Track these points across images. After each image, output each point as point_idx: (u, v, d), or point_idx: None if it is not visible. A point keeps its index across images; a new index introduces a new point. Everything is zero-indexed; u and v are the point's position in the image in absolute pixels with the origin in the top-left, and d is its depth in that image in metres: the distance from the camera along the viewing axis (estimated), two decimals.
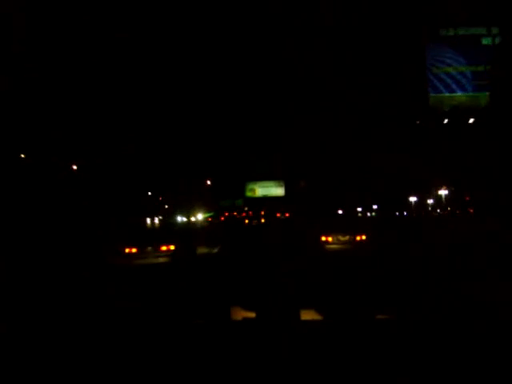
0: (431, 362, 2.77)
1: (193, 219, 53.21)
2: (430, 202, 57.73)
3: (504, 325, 3.56)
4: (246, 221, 47.28)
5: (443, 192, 41.65)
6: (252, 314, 3.97)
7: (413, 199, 50.09)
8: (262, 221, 44.51)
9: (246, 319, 3.89)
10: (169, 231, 26.03)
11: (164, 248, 16.99)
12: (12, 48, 24.76)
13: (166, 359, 2.99)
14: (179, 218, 53.09)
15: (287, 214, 47.02)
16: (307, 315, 3.90)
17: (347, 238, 17.74)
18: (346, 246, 17.54)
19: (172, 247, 17.05)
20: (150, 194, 50.13)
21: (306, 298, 5.86)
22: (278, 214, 45.21)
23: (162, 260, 16.32)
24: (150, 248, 16.96)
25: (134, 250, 16.92)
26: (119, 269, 15.29)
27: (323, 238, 17.82)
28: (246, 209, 49.43)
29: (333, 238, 17.72)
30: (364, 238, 17.84)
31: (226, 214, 50.93)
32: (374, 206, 75.14)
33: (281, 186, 42.68)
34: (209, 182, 42.26)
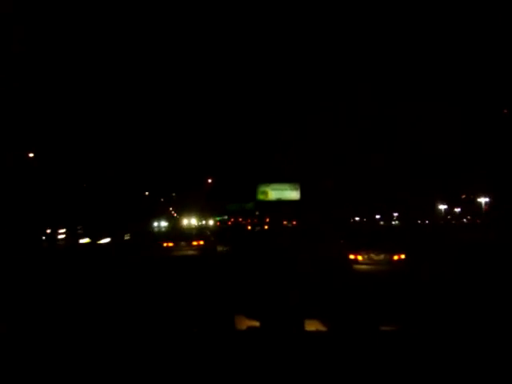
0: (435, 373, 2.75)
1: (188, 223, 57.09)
2: (457, 210, 53.51)
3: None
4: (249, 227, 43.84)
5: (483, 199, 37.19)
6: (256, 323, 4.02)
7: (442, 207, 45.42)
8: (266, 228, 41.97)
9: (250, 328, 3.88)
10: (199, 230, 31.69)
11: (195, 243, 20.79)
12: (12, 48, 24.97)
13: (169, 367, 2.95)
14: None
15: (294, 222, 44.29)
16: (312, 326, 3.92)
17: (382, 256, 13.89)
18: (380, 267, 13.69)
19: (202, 242, 21.03)
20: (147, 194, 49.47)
21: (312, 309, 6.45)
22: (285, 222, 42.60)
23: (192, 253, 20.01)
24: (183, 243, 20.82)
25: (170, 244, 20.87)
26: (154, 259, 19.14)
27: (351, 256, 13.99)
28: (257, 213, 45.79)
29: (363, 257, 13.88)
30: (403, 257, 13.98)
31: (232, 219, 47.42)
32: (394, 214, 70.92)
33: (296, 188, 38.51)
34: (210, 181, 38.23)
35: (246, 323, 4.05)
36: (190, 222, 55.36)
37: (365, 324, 4.90)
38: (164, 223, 60.40)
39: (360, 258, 13.86)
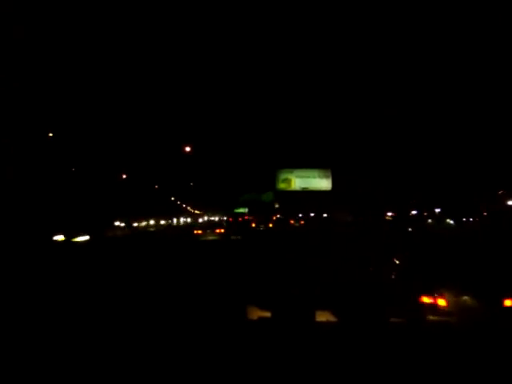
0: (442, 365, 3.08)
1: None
2: None
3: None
4: (253, 224, 39.57)
5: None
6: (267, 314, 4.31)
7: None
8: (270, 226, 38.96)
9: (261, 318, 4.17)
10: (219, 222, 45.74)
11: (218, 231, 32.93)
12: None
13: (182, 357, 3.45)
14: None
15: (302, 222, 39.48)
16: (323, 316, 4.19)
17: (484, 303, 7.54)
18: (479, 320, 7.36)
19: (222, 230, 33.39)
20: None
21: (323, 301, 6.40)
22: (292, 221, 38.84)
23: (214, 238, 29.82)
24: (209, 231, 33.08)
25: (199, 232, 33.15)
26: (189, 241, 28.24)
27: (425, 300, 7.66)
28: (276, 206, 39.59)
29: (447, 301, 7.56)
30: None
31: (240, 219, 41.86)
32: (436, 209, 63.40)
33: (327, 176, 31.26)
34: (188, 149, 31.74)
35: (257, 313, 4.51)
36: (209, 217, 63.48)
37: (375, 315, 5.14)
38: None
39: (442, 302, 7.52)
